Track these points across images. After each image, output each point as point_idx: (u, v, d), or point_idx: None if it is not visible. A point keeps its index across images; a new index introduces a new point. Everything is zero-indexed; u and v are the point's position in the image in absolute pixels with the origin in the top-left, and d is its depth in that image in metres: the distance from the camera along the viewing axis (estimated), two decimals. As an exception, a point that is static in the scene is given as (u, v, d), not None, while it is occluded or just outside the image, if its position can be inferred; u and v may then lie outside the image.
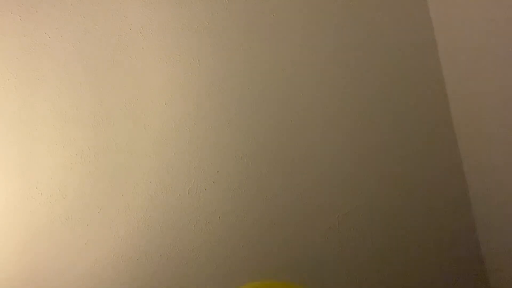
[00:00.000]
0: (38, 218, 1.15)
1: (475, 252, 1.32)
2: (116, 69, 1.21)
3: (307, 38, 1.30)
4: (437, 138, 1.33)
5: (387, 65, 1.33)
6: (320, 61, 1.30)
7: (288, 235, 1.27)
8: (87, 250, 1.16)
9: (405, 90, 1.33)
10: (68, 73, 1.19)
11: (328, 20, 1.31)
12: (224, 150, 1.25)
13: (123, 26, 1.22)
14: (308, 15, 1.30)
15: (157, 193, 1.21)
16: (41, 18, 1.18)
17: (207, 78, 1.25)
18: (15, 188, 1.14)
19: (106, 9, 1.21)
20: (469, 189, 1.31)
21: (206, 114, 1.24)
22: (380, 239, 1.30)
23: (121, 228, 1.18)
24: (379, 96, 1.32)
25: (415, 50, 1.33)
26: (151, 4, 1.23)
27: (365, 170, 1.30)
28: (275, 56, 1.28)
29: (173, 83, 1.23)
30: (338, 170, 1.30)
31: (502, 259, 1.22)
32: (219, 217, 1.23)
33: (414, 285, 1.30)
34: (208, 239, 1.22)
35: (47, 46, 1.18)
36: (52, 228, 1.15)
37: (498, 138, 1.10)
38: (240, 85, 1.26)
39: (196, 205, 1.22)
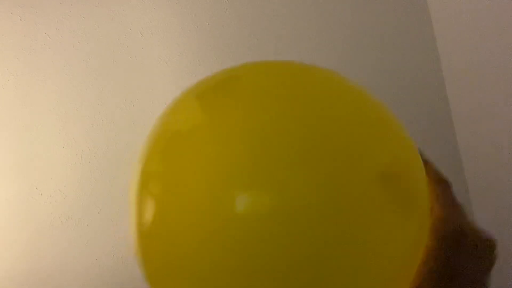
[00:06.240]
0: (38, 218, 1.14)
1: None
2: (116, 69, 1.21)
3: (308, 38, 1.30)
4: (437, 137, 1.33)
5: (387, 64, 1.33)
6: (321, 60, 1.31)
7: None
8: (87, 250, 1.16)
9: (404, 87, 1.33)
10: (68, 73, 1.19)
11: (329, 19, 1.31)
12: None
13: (123, 27, 1.22)
14: (309, 15, 1.31)
15: (158, 193, 1.21)
16: (41, 19, 1.18)
17: (207, 78, 1.25)
18: (15, 189, 1.14)
19: (106, 10, 1.21)
20: (469, 187, 1.31)
21: (206, 114, 1.24)
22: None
23: (121, 228, 1.18)
24: (380, 95, 1.32)
25: (414, 46, 1.34)
26: (151, 5, 1.24)
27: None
28: (275, 56, 1.28)
29: (173, 83, 1.23)
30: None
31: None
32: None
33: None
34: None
35: (47, 47, 1.18)
36: (52, 228, 1.15)
37: (498, 134, 1.10)
38: (240, 85, 1.27)
39: (196, 205, 1.22)
